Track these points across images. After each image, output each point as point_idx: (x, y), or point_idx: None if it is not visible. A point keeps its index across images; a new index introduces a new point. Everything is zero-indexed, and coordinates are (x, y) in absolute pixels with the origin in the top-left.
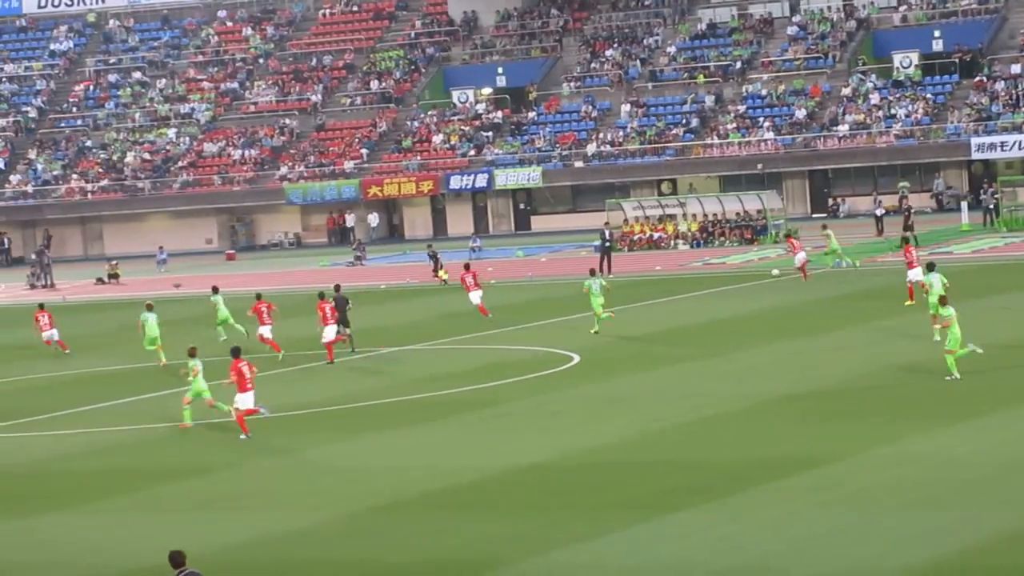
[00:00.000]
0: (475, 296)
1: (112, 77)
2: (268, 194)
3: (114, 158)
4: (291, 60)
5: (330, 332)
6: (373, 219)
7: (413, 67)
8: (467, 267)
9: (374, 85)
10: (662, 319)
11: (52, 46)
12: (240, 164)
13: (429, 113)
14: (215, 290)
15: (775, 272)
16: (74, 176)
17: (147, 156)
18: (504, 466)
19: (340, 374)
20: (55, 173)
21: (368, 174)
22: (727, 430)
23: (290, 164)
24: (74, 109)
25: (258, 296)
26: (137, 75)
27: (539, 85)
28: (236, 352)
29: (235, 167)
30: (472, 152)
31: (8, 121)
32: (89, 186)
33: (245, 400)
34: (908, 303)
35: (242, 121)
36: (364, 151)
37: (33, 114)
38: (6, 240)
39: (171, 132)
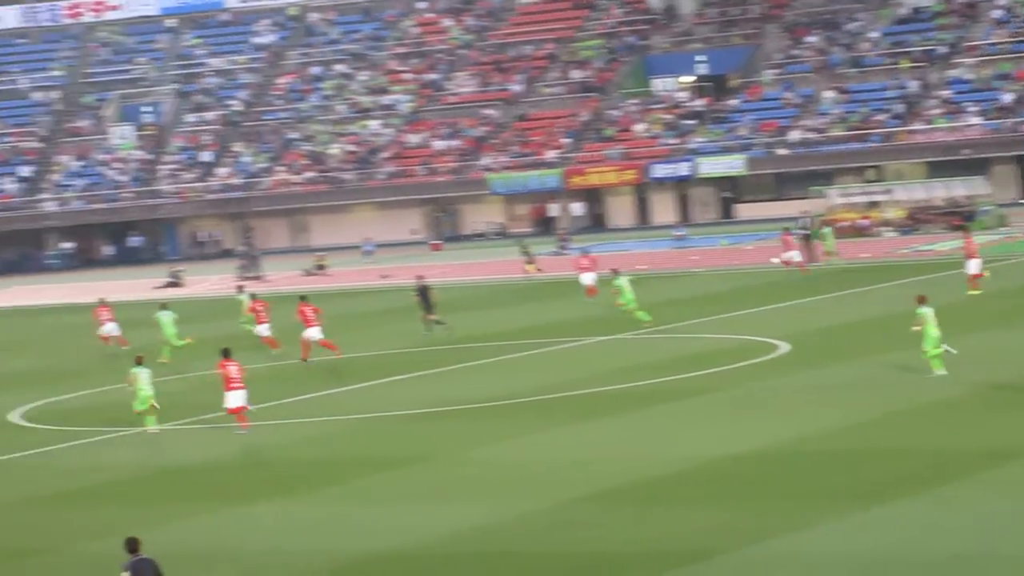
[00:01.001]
0: (587, 278)
1: (315, 70)
2: (472, 184)
3: (319, 150)
4: (491, 50)
5: (314, 333)
6: (576, 208)
7: (613, 56)
8: (585, 253)
9: (575, 74)
10: (871, 307)
11: (255, 40)
12: (443, 155)
13: (630, 102)
14: (240, 289)
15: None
16: (280, 168)
17: (351, 148)
18: (712, 455)
19: (538, 366)
20: (261, 166)
21: (570, 163)
22: (937, 419)
23: (492, 154)
24: (278, 102)
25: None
26: (339, 67)
27: (740, 72)
28: (226, 353)
29: (438, 158)
30: (674, 141)
31: (215, 115)
32: (295, 178)
33: (235, 399)
34: None
35: (443, 112)
36: (566, 140)
37: (239, 107)
38: (217, 233)
39: (374, 123)
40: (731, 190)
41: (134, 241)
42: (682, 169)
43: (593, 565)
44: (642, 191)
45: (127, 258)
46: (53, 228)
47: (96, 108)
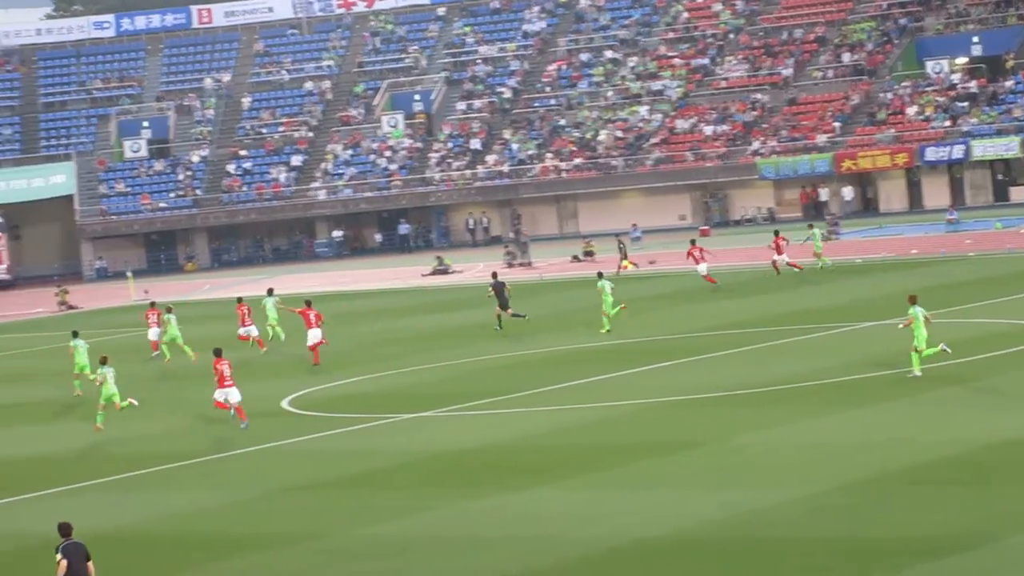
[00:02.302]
0: (702, 268)
1: (584, 56)
2: (740, 169)
3: (587, 136)
4: (762, 35)
5: (315, 335)
6: (847, 193)
7: (885, 38)
8: (693, 243)
9: (846, 58)
10: None
11: (525, 27)
12: (712, 140)
13: (902, 84)
14: (270, 291)
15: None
16: (548, 155)
17: (620, 134)
18: (986, 440)
19: (807, 351)
20: (530, 152)
21: (841, 148)
22: None
23: (762, 139)
24: (547, 88)
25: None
26: (609, 53)
27: (1016, 53)
28: (218, 352)
29: (707, 143)
30: (947, 123)
31: (484, 102)
32: (563, 164)
33: (228, 395)
34: None
35: (713, 97)
36: (837, 124)
37: (508, 94)
38: (484, 219)
39: (643, 109)
40: (1006, 173)
41: (403, 229)
42: (955, 152)
43: (869, 550)
44: (914, 175)
45: (396, 246)
46: (324, 216)
47: (367, 97)
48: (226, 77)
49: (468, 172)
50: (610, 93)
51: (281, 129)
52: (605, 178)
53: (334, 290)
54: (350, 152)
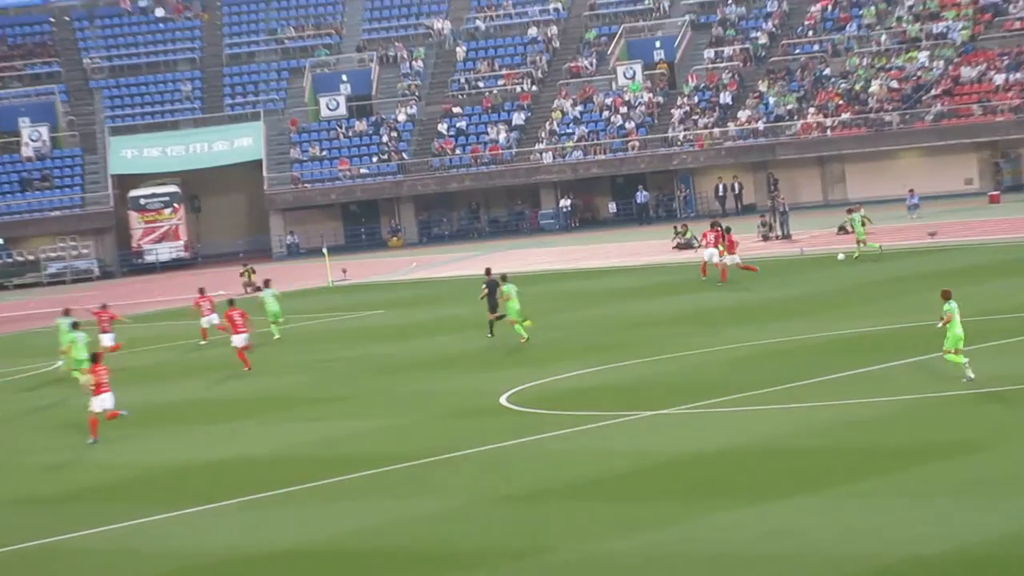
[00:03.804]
0: (709, 253)
1: None
2: None
3: (856, 88)
4: None
5: (239, 340)
6: None
7: None
8: (719, 226)
9: None
10: None
11: None
12: (1004, 90)
13: None
14: (267, 283)
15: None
16: (811, 110)
17: (894, 84)
18: None
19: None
20: (789, 107)
21: None
22: None
23: None
24: (810, 33)
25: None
26: None
27: None
28: (95, 358)
29: (998, 94)
30: None
31: (735, 50)
32: (828, 121)
33: (102, 402)
34: None
35: (1005, 40)
36: None
37: (763, 40)
38: (736, 185)
39: (922, 56)
40: None
41: (641, 197)
42: None
43: None
44: None
45: (633, 216)
46: (549, 183)
47: (599, 45)
48: (438, 23)
49: (717, 131)
50: (883, 37)
51: (501, 83)
52: (877, 136)
53: (560, 268)
54: (580, 108)
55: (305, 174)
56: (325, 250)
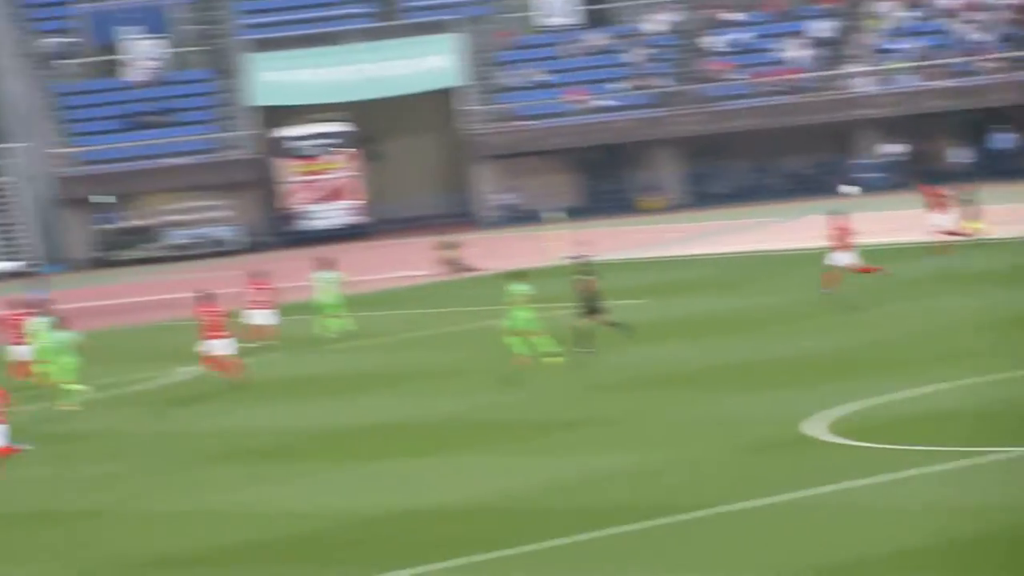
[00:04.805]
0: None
1: None
2: None
3: None
4: None
5: (223, 345)
6: None
7: None
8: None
9: None
10: None
11: None
12: None
13: None
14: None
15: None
16: None
17: None
18: None
19: None
20: None
21: None
22: None
23: None
24: None
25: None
26: None
27: None
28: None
29: None
30: None
31: None
32: None
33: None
34: None
35: None
36: None
37: None
38: None
39: None
40: None
41: (1001, 140)
42: None
43: None
44: None
45: (989, 166)
46: (869, 121)
47: None
48: None
49: None
50: None
51: None
52: None
53: (892, 241)
54: (913, 15)
55: (522, 108)
56: (559, 214)
